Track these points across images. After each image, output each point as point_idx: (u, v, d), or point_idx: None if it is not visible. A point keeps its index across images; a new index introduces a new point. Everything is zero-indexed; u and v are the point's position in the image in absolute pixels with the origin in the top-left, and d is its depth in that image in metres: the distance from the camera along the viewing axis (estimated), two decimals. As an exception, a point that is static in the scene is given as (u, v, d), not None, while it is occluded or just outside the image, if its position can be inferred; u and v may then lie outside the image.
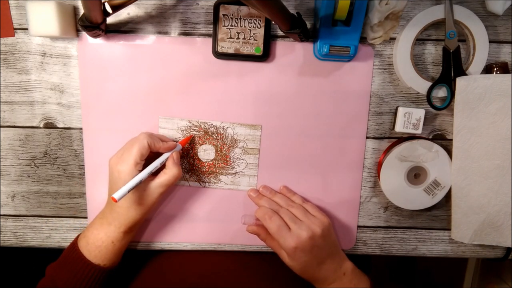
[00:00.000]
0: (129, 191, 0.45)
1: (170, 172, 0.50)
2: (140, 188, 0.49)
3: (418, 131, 0.55)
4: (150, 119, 0.55)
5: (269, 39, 0.53)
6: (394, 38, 0.54)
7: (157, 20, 0.53)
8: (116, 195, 0.43)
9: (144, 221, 0.58)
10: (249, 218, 0.55)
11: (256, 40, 0.52)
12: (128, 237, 0.52)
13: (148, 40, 0.53)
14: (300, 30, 0.47)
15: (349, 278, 0.52)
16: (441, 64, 0.53)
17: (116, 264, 0.52)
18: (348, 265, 0.53)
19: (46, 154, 0.57)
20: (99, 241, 0.50)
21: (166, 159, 0.51)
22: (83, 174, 0.57)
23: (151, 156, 0.50)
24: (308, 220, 0.51)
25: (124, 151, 0.49)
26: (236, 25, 0.52)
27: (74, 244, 0.51)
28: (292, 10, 0.52)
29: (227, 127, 0.56)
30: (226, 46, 0.52)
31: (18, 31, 0.53)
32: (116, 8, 0.47)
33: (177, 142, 0.54)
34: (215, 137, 0.56)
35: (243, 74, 0.54)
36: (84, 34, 0.53)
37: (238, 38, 0.52)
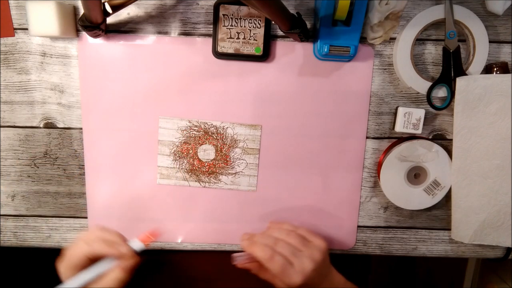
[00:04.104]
0: None
1: (113, 275, 0.41)
2: None
3: (418, 131, 0.55)
4: (150, 119, 0.55)
5: (269, 39, 0.53)
6: (394, 38, 0.54)
7: (157, 20, 0.53)
8: None
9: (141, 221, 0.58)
10: (240, 257, 0.51)
11: (256, 40, 0.52)
12: None
13: (148, 40, 0.53)
14: (300, 30, 0.47)
15: None
16: (441, 64, 0.53)
17: None
18: (340, 280, 0.52)
19: (46, 154, 0.57)
20: None
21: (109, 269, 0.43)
22: (83, 174, 0.57)
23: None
24: (307, 248, 0.49)
25: (69, 249, 0.43)
26: (236, 25, 0.52)
27: None
28: (292, 10, 0.52)
29: (227, 127, 0.56)
30: (226, 46, 0.52)
31: (18, 31, 0.53)
32: (116, 8, 0.47)
33: (133, 241, 0.45)
34: (215, 137, 0.56)
35: (243, 74, 0.54)
36: (84, 34, 0.53)
37: (238, 38, 0.52)
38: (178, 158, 0.57)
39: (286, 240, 0.50)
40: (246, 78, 0.55)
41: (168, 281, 0.54)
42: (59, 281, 0.48)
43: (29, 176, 0.57)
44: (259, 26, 0.52)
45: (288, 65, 0.54)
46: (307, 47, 0.54)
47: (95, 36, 0.51)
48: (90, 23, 0.46)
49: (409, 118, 0.54)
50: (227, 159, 0.57)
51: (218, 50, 0.52)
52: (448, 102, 0.54)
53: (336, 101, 0.56)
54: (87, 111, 0.55)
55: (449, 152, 0.56)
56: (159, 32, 0.54)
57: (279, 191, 0.58)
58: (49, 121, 0.56)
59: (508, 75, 0.51)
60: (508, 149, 0.52)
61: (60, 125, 0.56)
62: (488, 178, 0.54)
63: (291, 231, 0.52)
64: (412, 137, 0.57)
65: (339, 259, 0.57)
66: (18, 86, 0.54)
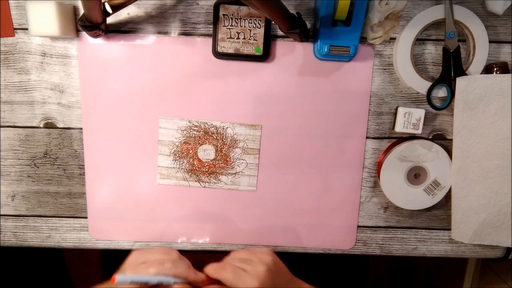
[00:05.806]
0: (131, 282, 0.43)
1: None
2: None
3: (418, 131, 0.55)
4: (150, 119, 0.55)
5: (269, 39, 0.53)
6: (394, 38, 0.54)
7: (157, 20, 0.53)
8: (119, 277, 0.42)
9: (143, 223, 0.58)
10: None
11: (256, 40, 0.52)
12: None
13: (148, 40, 0.53)
14: (300, 30, 0.47)
15: None
16: (441, 64, 0.53)
17: None
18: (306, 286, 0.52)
19: (46, 154, 0.57)
20: None
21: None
22: (83, 174, 0.57)
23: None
24: (255, 255, 0.49)
25: (153, 262, 0.46)
26: (236, 25, 0.52)
27: None
28: (292, 10, 0.52)
29: (227, 127, 0.56)
30: (226, 46, 0.52)
31: (18, 31, 0.53)
32: (116, 8, 0.47)
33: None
34: (215, 137, 0.56)
35: (243, 74, 0.54)
36: (84, 34, 0.53)
37: (238, 38, 0.52)
38: (178, 158, 0.57)
39: (233, 255, 0.50)
40: (246, 78, 0.55)
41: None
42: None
43: (29, 176, 0.57)
44: (259, 26, 0.52)
45: (288, 65, 0.54)
46: (307, 47, 0.54)
47: (95, 36, 0.51)
48: (90, 23, 0.46)
49: (409, 118, 0.54)
50: (227, 159, 0.57)
51: (218, 50, 0.52)
52: (448, 102, 0.54)
53: (336, 101, 0.56)
54: (87, 111, 0.55)
55: (449, 152, 0.56)
56: (159, 32, 0.54)
57: (279, 191, 0.58)
58: (49, 121, 0.56)
59: (508, 75, 0.51)
60: (508, 149, 0.52)
61: (60, 125, 0.56)
62: (488, 178, 0.54)
63: (235, 251, 0.52)
64: (412, 137, 0.57)
65: (338, 259, 0.56)
66: (18, 86, 0.54)
